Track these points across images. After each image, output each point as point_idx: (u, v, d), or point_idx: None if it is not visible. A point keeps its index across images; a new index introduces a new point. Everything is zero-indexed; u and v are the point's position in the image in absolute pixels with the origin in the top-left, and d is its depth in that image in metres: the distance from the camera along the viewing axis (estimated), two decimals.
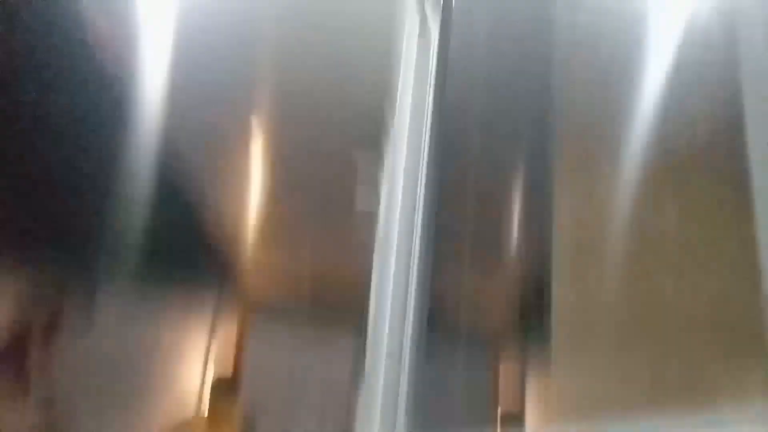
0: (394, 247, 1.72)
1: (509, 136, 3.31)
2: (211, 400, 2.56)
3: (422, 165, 1.78)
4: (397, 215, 1.76)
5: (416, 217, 1.74)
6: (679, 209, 2.20)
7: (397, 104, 2.06)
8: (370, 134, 3.50)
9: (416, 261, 1.63)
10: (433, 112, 1.80)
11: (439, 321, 1.89)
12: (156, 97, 3.14)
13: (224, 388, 2.78)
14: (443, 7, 1.92)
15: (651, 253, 2.33)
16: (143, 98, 3.12)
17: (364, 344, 2.15)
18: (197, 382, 2.64)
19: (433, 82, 1.91)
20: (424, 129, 1.83)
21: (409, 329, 1.59)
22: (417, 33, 2.12)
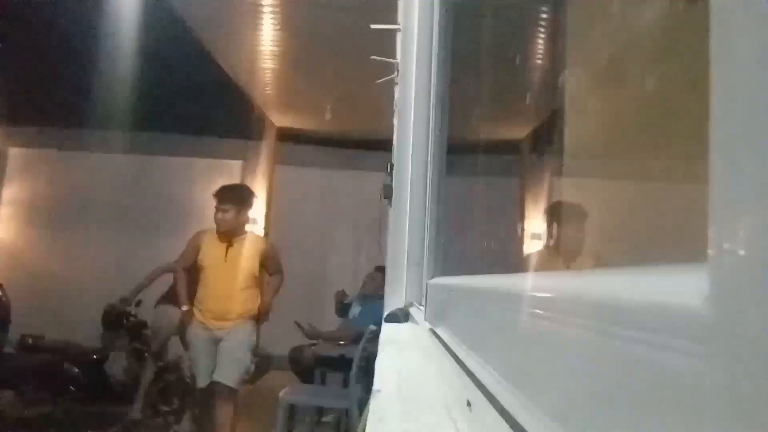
0: (414, 75, 1.69)
1: None
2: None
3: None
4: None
5: (433, 37, 1.68)
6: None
7: None
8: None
9: (434, 85, 1.61)
10: None
11: (458, 141, 1.93)
12: None
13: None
14: None
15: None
16: None
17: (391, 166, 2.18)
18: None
19: None
20: None
21: (431, 154, 1.61)
22: None
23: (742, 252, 0.15)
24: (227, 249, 3.77)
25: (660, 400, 0.20)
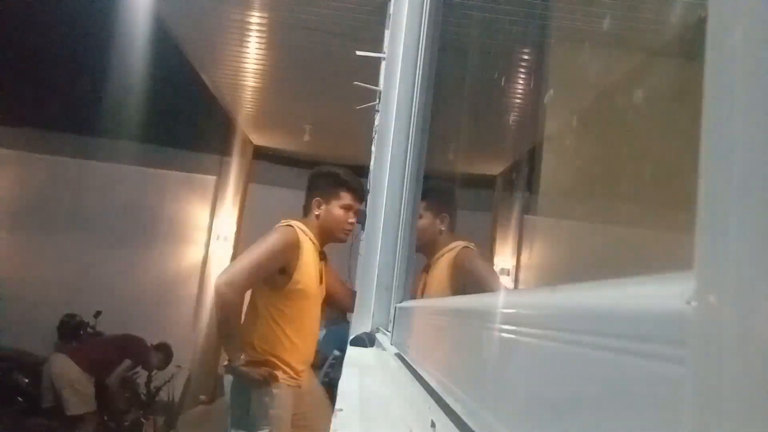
0: (394, 107, 1.71)
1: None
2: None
3: (422, 43, 1.73)
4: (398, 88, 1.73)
5: (417, 68, 1.71)
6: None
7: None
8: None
9: (415, 115, 1.63)
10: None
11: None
12: None
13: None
14: None
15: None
16: None
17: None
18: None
19: None
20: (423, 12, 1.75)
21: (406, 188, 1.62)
22: None
23: (724, 261, 0.15)
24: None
25: (642, 412, 0.20)
